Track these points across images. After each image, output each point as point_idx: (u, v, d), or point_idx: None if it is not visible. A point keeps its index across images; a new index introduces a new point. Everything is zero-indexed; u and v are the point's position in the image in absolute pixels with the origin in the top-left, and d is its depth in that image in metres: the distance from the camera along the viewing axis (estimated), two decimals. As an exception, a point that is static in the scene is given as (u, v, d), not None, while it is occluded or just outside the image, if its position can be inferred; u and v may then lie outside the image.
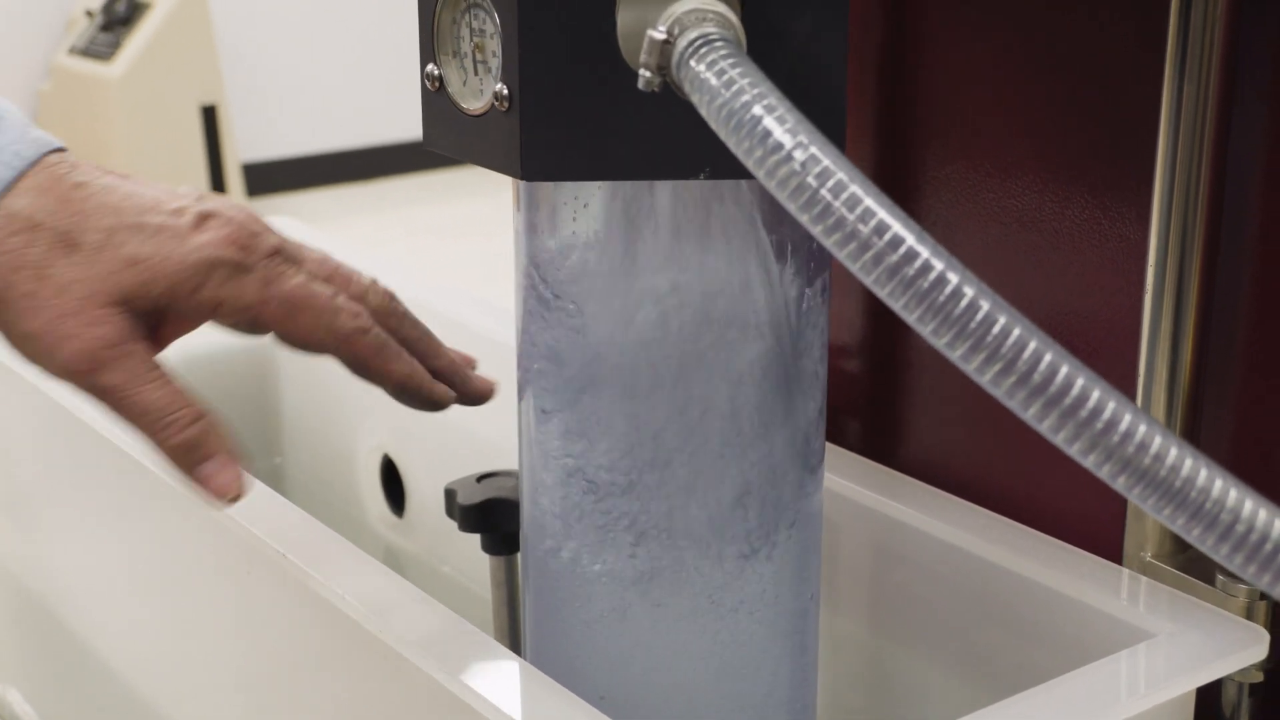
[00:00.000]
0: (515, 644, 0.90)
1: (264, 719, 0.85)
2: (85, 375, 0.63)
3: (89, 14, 3.89)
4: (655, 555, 0.69)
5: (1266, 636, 0.69)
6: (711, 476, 0.68)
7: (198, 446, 0.64)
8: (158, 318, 0.65)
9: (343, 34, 4.26)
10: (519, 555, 0.77)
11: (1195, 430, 0.74)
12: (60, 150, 0.66)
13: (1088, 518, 0.79)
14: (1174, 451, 0.46)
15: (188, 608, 0.90)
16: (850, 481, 0.85)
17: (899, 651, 0.84)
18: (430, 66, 0.66)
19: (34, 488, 1.07)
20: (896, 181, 0.86)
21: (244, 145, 4.06)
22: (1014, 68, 0.80)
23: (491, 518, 0.85)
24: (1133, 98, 0.74)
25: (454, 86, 0.65)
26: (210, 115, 3.79)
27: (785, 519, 0.70)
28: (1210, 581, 0.72)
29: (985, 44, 0.81)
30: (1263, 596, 0.70)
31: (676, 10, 0.54)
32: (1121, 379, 0.75)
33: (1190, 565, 0.74)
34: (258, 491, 0.80)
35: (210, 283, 0.65)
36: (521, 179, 0.63)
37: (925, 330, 0.48)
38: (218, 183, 3.83)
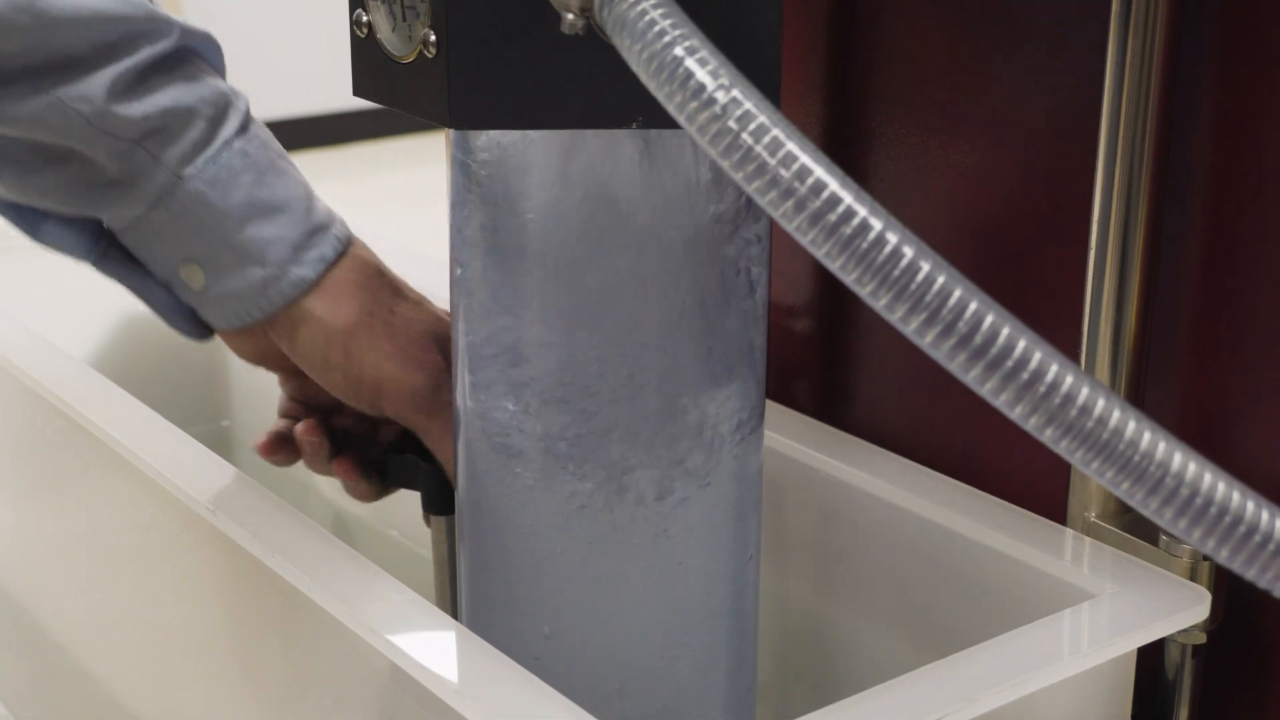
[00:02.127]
0: (455, 606, 0.88)
1: (209, 685, 0.84)
2: (428, 399, 0.73)
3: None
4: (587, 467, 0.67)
5: (1208, 597, 0.68)
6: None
7: None
8: None
9: (311, -1, 4.23)
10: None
11: (1139, 393, 0.74)
12: None
13: (1033, 478, 0.78)
14: (1116, 414, 0.45)
15: (129, 575, 0.89)
16: (797, 443, 0.84)
17: (844, 613, 0.83)
18: (359, 13, 0.65)
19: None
20: (844, 136, 0.85)
21: (212, 110, 4.03)
22: (963, 23, 0.78)
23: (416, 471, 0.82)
24: (1079, 51, 0.72)
25: (383, 32, 0.64)
26: (177, 79, 3.76)
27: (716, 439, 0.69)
28: (1154, 542, 0.72)
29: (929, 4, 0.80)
30: (1205, 557, 0.70)
31: (601, -49, 0.52)
32: (1066, 339, 0.74)
33: (1134, 526, 0.73)
34: (197, 453, 0.79)
35: None
36: (450, 127, 0.61)
37: (857, 285, 0.46)
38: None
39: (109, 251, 0.73)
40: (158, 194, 0.70)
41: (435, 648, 0.64)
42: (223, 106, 0.70)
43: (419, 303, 0.75)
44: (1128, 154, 0.70)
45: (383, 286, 0.73)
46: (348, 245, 0.73)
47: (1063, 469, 0.75)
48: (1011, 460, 0.79)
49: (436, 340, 0.73)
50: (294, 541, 0.71)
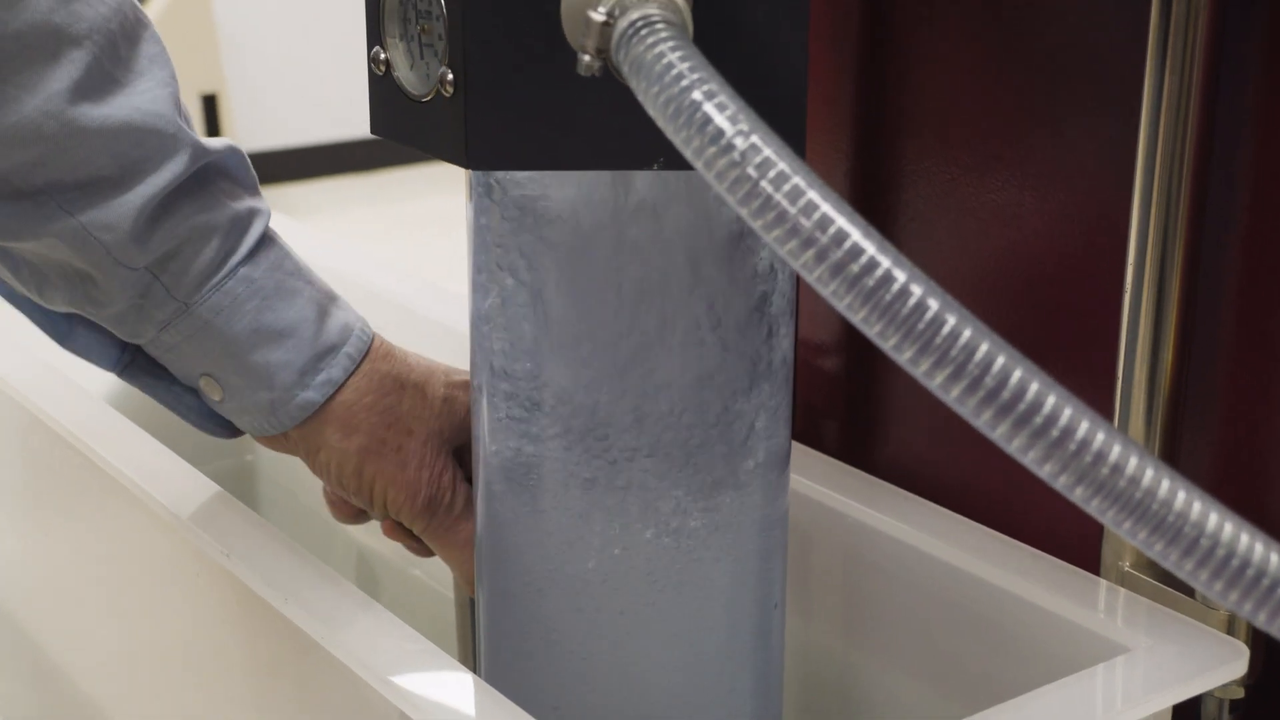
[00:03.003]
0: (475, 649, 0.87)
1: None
2: (427, 519, 0.74)
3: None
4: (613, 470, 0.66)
5: (1246, 652, 0.66)
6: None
7: None
8: None
9: (344, 24, 4.23)
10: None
11: (1175, 441, 0.72)
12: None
13: (1065, 526, 0.76)
14: (1149, 473, 0.44)
15: (142, 613, 0.88)
16: (824, 486, 0.82)
17: (871, 661, 0.81)
18: (377, 50, 0.63)
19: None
20: (873, 174, 0.83)
21: (243, 134, 4.04)
22: (993, 61, 0.77)
23: None
24: (1114, 92, 0.71)
25: (401, 70, 0.63)
26: (210, 104, 3.77)
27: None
28: (1190, 594, 0.70)
29: (964, 37, 0.78)
30: (1244, 610, 0.68)
31: (619, -9, 0.51)
32: (1100, 384, 0.72)
33: (1170, 576, 0.71)
34: (212, 494, 0.78)
35: None
36: (467, 167, 0.60)
37: (880, 339, 0.45)
38: (218, 173, 3.80)
39: (136, 359, 0.74)
40: (166, 319, 0.70)
41: (449, 699, 0.62)
42: (237, 230, 0.70)
43: (422, 390, 0.74)
44: (1164, 195, 0.68)
45: (394, 397, 0.73)
46: (362, 359, 0.73)
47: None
48: (1043, 507, 0.77)
49: (443, 440, 0.74)
50: (309, 588, 0.69)
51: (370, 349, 0.73)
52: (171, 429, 0.90)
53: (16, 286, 0.72)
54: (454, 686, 0.64)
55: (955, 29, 0.78)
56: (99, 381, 1.08)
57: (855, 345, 0.87)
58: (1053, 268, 0.76)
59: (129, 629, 0.90)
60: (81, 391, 0.90)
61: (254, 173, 0.73)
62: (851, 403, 0.88)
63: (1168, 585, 0.71)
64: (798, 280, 0.66)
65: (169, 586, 0.83)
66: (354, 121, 4.30)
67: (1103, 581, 0.72)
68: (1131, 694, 0.65)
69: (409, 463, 0.73)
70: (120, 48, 0.67)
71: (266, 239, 0.71)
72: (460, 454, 0.76)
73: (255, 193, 0.73)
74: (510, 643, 0.70)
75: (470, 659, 0.84)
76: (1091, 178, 0.73)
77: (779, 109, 0.54)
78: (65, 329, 0.74)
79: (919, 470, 0.84)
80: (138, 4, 0.69)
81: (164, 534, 0.81)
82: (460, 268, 0.71)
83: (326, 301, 0.73)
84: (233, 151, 0.72)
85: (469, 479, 0.75)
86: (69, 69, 0.65)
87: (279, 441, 0.74)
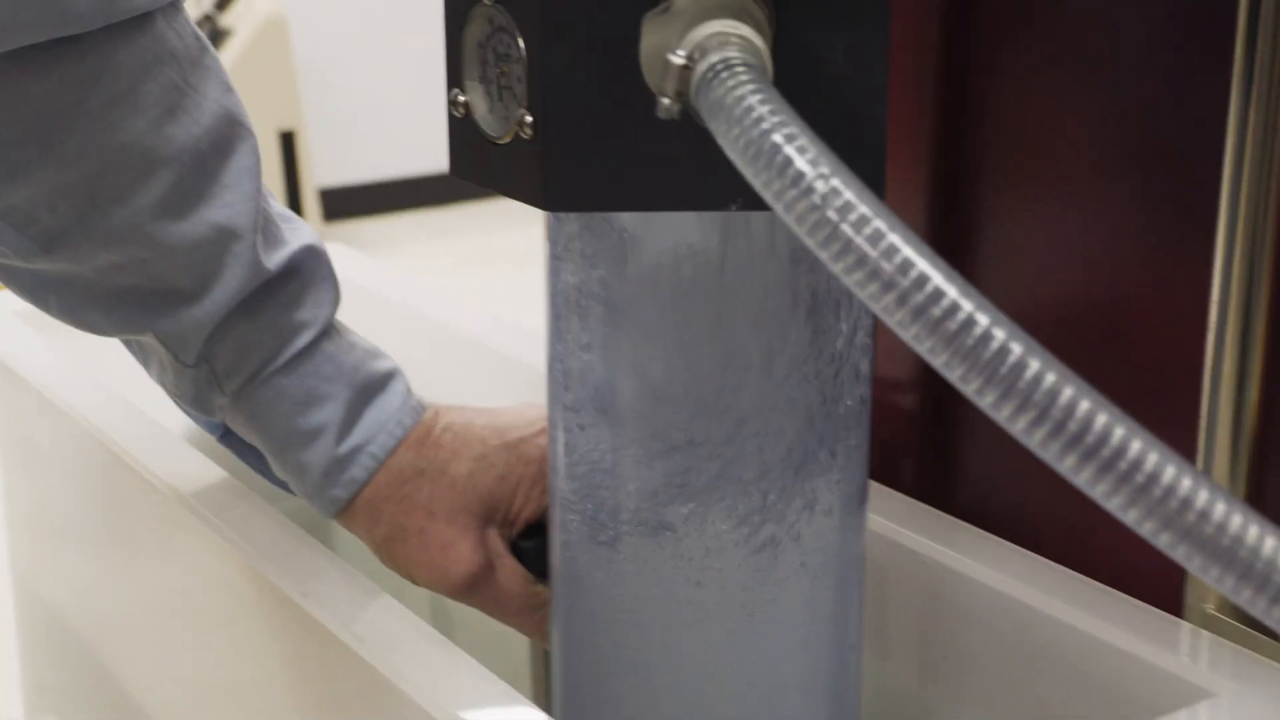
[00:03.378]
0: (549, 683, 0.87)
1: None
2: (469, 594, 0.77)
3: (171, 40, 3.90)
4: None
5: (1336, 699, 0.65)
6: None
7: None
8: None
9: (421, 60, 4.27)
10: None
11: (1261, 482, 0.71)
12: (428, 408, 0.79)
13: (1147, 568, 0.75)
14: (1237, 519, 0.43)
15: (213, 645, 0.88)
16: (901, 526, 0.81)
17: (949, 703, 0.81)
18: (455, 92, 0.64)
19: (71, 519, 1.06)
20: (950, 210, 0.83)
21: (321, 170, 4.08)
22: (1078, 94, 0.76)
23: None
24: (1200, 127, 0.70)
25: (479, 113, 0.63)
26: (288, 141, 3.80)
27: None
28: (1277, 638, 0.69)
29: (1043, 75, 0.77)
30: (1332, 656, 0.66)
31: (698, 34, 0.51)
32: (1184, 422, 0.71)
33: (1254, 620, 0.70)
34: (290, 532, 0.79)
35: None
36: (545, 209, 0.60)
37: (962, 383, 0.45)
38: (295, 207, 3.84)
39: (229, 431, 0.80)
40: (221, 407, 0.77)
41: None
42: (279, 343, 0.76)
43: (444, 471, 0.77)
44: (1249, 230, 0.68)
45: (412, 485, 0.77)
46: (388, 455, 0.77)
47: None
48: (1123, 548, 0.76)
49: (471, 515, 0.77)
50: (384, 627, 0.70)
51: (402, 441, 0.77)
52: (246, 467, 0.91)
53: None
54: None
55: (1033, 68, 0.78)
56: (175, 417, 1.09)
57: (932, 384, 0.87)
58: (1134, 308, 0.75)
59: (202, 662, 0.91)
60: (158, 426, 0.91)
61: (325, 270, 0.78)
62: (928, 441, 0.87)
63: (1253, 629, 0.70)
64: (875, 319, 0.66)
65: (243, 622, 0.84)
66: (431, 156, 4.34)
67: (1185, 624, 0.71)
68: (1216, 740, 0.64)
69: (430, 545, 0.76)
70: (209, 162, 0.73)
71: (311, 348, 0.76)
72: (507, 516, 0.78)
73: (316, 299, 0.77)
74: (584, 678, 0.70)
75: (544, 698, 0.84)
76: (1175, 213, 0.73)
77: (859, 150, 0.54)
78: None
79: (996, 510, 0.84)
80: (241, 118, 0.74)
81: (240, 571, 0.82)
82: (538, 302, 0.72)
83: (360, 402, 0.77)
84: (307, 254, 0.77)
85: (530, 544, 0.78)
86: (155, 187, 0.71)
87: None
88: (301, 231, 0.78)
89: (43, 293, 0.75)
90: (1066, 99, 0.77)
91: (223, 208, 0.73)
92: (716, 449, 0.64)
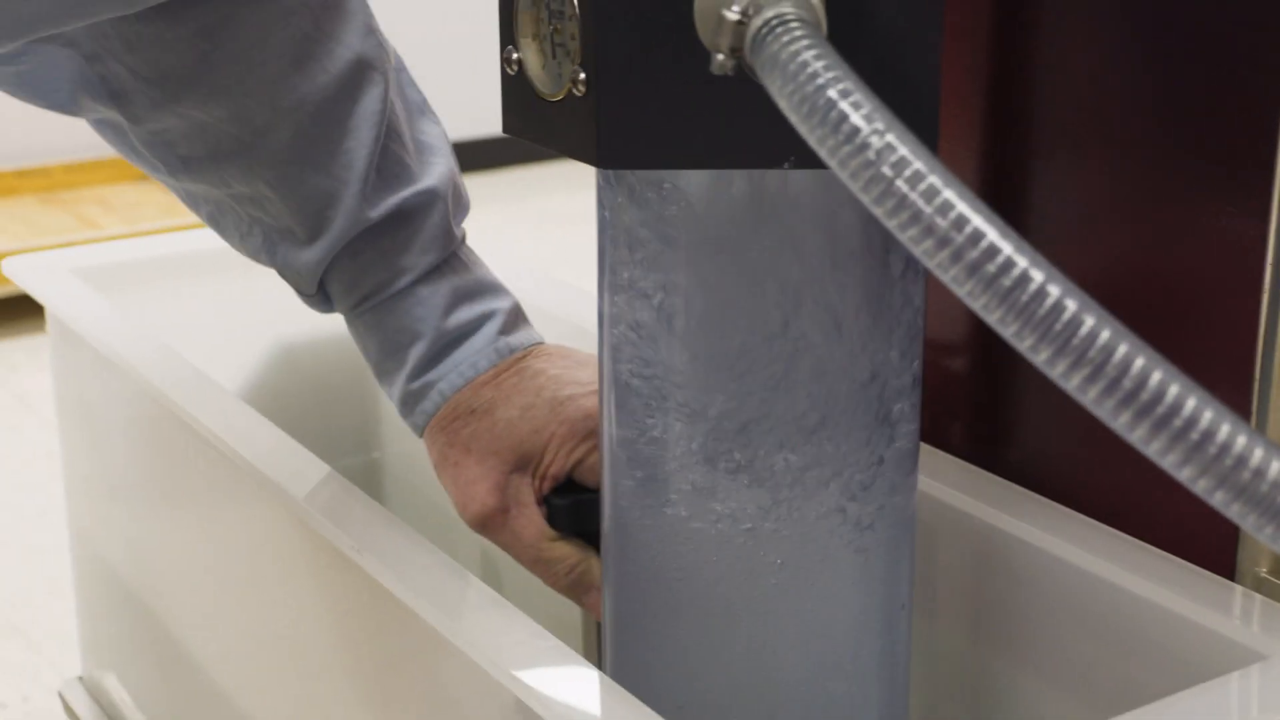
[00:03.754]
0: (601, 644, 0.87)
1: (341, 711, 0.83)
2: (483, 531, 0.81)
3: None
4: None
5: (1388, 662, 0.64)
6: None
7: (581, 584, 0.81)
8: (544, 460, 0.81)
9: (475, 21, 4.27)
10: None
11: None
12: (537, 344, 0.84)
13: (1200, 531, 0.75)
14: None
15: (269, 603, 0.89)
16: (951, 487, 0.81)
17: (999, 665, 0.81)
18: (509, 49, 0.64)
19: (127, 476, 1.07)
20: (1003, 175, 0.82)
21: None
22: (1137, 59, 0.76)
23: (583, 518, 0.82)
24: (1261, 90, 0.69)
25: (533, 70, 0.63)
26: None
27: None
28: (1329, 601, 0.68)
29: (1101, 31, 0.77)
30: (1386, 619, 0.66)
31: (753, -11, 0.51)
32: (1237, 392, 0.71)
33: (1308, 583, 0.70)
34: (344, 489, 0.79)
35: (586, 445, 0.80)
36: (598, 166, 0.60)
37: (1016, 339, 0.44)
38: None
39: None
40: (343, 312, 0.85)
41: (575, 694, 0.63)
42: (379, 282, 0.81)
43: (490, 414, 0.81)
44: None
45: (461, 422, 0.81)
46: (455, 392, 0.81)
47: (1231, 520, 0.72)
48: (1176, 510, 0.76)
49: (500, 460, 0.80)
50: (436, 582, 0.70)
51: (471, 381, 0.81)
52: (301, 424, 0.92)
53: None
54: (579, 682, 0.64)
55: (1093, 23, 0.77)
56: (231, 375, 1.10)
57: (982, 342, 0.86)
58: (1188, 274, 0.74)
59: (257, 619, 0.91)
60: (214, 384, 0.92)
61: (438, 214, 0.81)
62: (978, 403, 0.87)
63: (1306, 592, 0.69)
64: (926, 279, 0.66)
65: (298, 578, 0.84)
66: (485, 119, 4.33)
67: (1238, 587, 0.71)
68: (1268, 701, 0.63)
69: (459, 479, 0.80)
70: (335, 109, 0.77)
71: (405, 291, 0.81)
72: (538, 469, 0.80)
73: (422, 245, 0.81)
74: (635, 638, 0.71)
75: (594, 655, 0.84)
76: (1231, 178, 0.72)
77: (913, 106, 0.54)
78: None
79: (1047, 471, 0.83)
80: (375, 62, 0.78)
81: (295, 527, 0.82)
82: (590, 265, 0.72)
83: (444, 343, 0.82)
84: (423, 197, 0.81)
85: (562, 502, 0.80)
86: (273, 138, 0.78)
87: None
88: (433, 169, 0.82)
89: (193, 202, 0.83)
90: (1121, 58, 0.76)
91: (340, 155, 0.78)
92: (766, 409, 0.64)
